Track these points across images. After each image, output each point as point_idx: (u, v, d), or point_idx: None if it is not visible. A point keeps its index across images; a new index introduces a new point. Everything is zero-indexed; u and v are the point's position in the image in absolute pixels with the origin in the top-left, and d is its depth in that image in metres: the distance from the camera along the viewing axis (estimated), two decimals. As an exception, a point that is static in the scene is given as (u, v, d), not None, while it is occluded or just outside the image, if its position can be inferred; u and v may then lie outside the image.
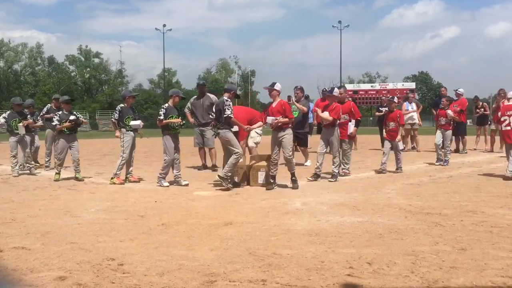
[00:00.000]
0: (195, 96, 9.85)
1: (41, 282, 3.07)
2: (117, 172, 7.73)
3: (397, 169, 8.84)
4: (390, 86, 52.55)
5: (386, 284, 3.00)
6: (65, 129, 8.18)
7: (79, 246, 3.93)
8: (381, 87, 53.29)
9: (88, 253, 3.72)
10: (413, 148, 14.14)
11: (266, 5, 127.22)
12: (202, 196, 6.50)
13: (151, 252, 3.75)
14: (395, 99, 9.49)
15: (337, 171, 7.83)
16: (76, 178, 8.21)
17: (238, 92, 8.00)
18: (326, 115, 7.74)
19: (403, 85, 52.79)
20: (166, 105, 7.52)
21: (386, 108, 12.99)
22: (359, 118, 8.81)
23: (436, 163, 9.93)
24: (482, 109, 13.83)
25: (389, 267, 3.33)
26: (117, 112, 7.86)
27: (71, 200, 6.25)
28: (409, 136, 14.11)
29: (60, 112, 8.37)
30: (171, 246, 3.93)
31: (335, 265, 3.37)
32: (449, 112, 9.90)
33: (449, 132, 10.06)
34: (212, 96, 9.70)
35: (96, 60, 68.29)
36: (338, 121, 7.90)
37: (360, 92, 52.50)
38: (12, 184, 7.96)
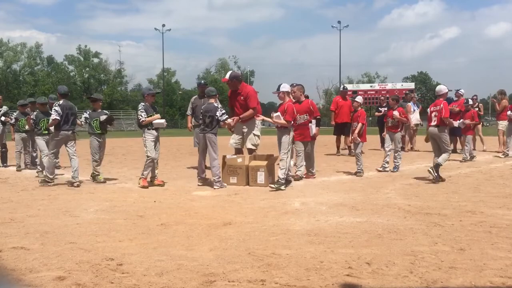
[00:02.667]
0: (196, 96, 9.85)
1: (40, 282, 3.07)
2: (144, 173, 7.43)
3: (355, 172, 8.43)
4: (389, 86, 52.51)
5: (385, 284, 3.01)
6: (97, 129, 8.11)
7: (78, 246, 3.93)
8: (380, 87, 53.27)
9: (87, 253, 3.72)
10: (411, 148, 14.16)
11: (265, 5, 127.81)
12: (201, 196, 6.50)
13: (150, 252, 3.74)
14: (359, 99, 8.79)
15: (282, 176, 6.93)
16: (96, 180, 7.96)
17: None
18: (279, 118, 7.13)
19: (402, 85, 52.76)
20: (35, 113, 8.68)
21: (386, 108, 13.00)
22: (318, 116, 8.37)
23: (380, 168, 9.09)
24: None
25: (388, 267, 3.33)
26: (143, 110, 7.45)
27: (70, 200, 6.25)
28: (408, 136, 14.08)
29: (90, 111, 8.32)
30: (170, 246, 3.93)
31: (334, 265, 3.37)
32: (395, 113, 9.11)
33: (398, 135, 9.20)
34: None
35: (95, 60, 68.27)
36: (293, 122, 7.34)
37: (359, 92, 52.45)
38: (11, 184, 7.96)
